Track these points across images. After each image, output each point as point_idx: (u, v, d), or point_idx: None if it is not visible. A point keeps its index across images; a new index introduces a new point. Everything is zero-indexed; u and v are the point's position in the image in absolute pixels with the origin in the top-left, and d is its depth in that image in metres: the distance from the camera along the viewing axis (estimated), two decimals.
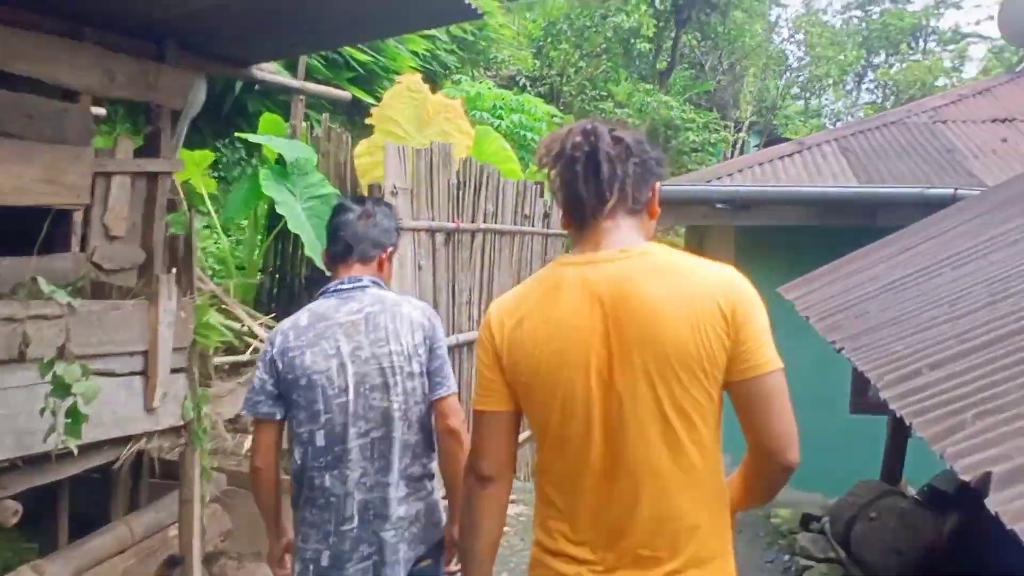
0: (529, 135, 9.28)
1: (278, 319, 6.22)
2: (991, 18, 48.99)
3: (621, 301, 1.49)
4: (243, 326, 5.52)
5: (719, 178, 6.66)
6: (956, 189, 5.89)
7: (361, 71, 8.40)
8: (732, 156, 19.78)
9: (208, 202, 6.24)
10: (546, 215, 5.72)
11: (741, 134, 19.60)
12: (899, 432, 4.56)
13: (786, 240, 6.52)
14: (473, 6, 3.73)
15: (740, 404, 1.50)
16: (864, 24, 25.25)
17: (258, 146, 6.49)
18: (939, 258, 3.68)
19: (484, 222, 4.70)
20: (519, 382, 1.57)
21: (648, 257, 1.53)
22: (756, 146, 20.74)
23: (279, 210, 5.24)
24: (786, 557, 4.48)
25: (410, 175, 3.95)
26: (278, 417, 2.21)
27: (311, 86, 5.00)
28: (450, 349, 4.31)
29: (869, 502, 3.86)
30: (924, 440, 1.99)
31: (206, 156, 6.11)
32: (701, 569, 1.51)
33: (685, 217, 6.73)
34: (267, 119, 6.10)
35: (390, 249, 2.38)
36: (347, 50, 8.08)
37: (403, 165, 3.86)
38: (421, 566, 2.25)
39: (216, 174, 7.41)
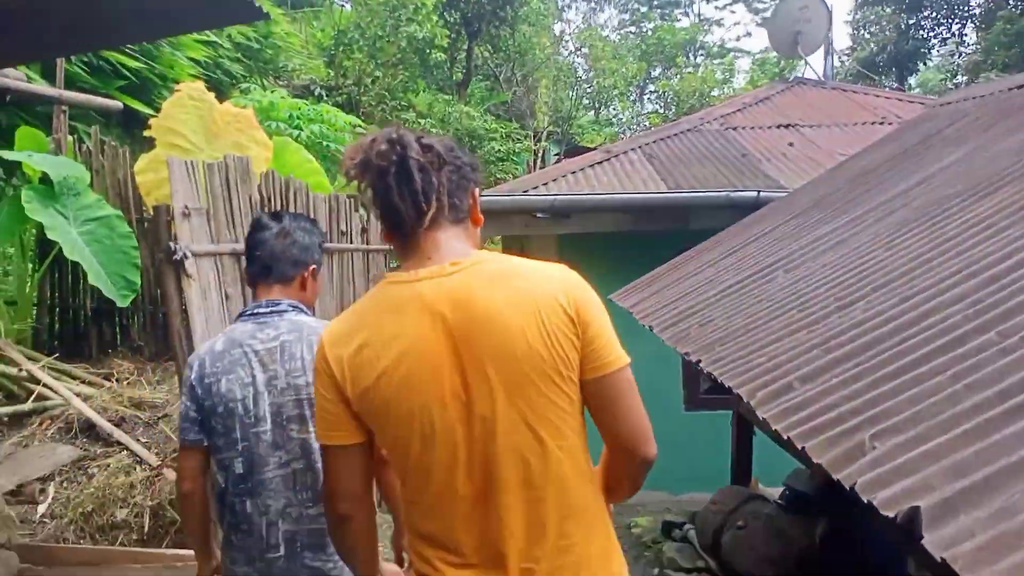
0: (332, 146, 8.78)
1: (64, 359, 5.45)
2: (749, 35, 53.08)
3: (464, 316, 1.43)
4: (20, 370, 4.71)
5: (535, 188, 6.54)
6: (759, 192, 6.11)
7: (133, 79, 7.54)
8: (535, 165, 20.19)
9: None
10: (363, 229, 5.30)
11: (541, 143, 19.98)
12: (744, 430, 4.58)
13: (606, 246, 6.52)
14: (258, 5, 3.33)
15: (593, 403, 1.49)
16: (640, 39, 26.72)
17: (17, 165, 5.60)
18: (769, 261, 3.68)
19: None
20: (368, 412, 1.48)
21: (482, 266, 1.48)
22: (556, 155, 21.23)
23: (50, 236, 4.50)
24: (655, 571, 4.34)
25: (203, 193, 3.42)
26: (205, 444, 2.17)
27: (72, 95, 4.30)
28: None
29: (734, 509, 3.82)
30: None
31: None
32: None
33: (505, 227, 6.56)
34: (24, 133, 5.25)
35: (312, 267, 2.31)
36: (114, 56, 7.22)
37: (193, 182, 3.33)
38: None
39: None
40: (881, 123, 8.11)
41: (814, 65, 10.46)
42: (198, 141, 5.00)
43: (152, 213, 5.32)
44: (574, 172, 6.95)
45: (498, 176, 16.52)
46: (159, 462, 4.14)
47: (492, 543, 1.47)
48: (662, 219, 6.41)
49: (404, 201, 1.46)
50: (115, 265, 5.00)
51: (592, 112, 23.88)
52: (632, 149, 7.47)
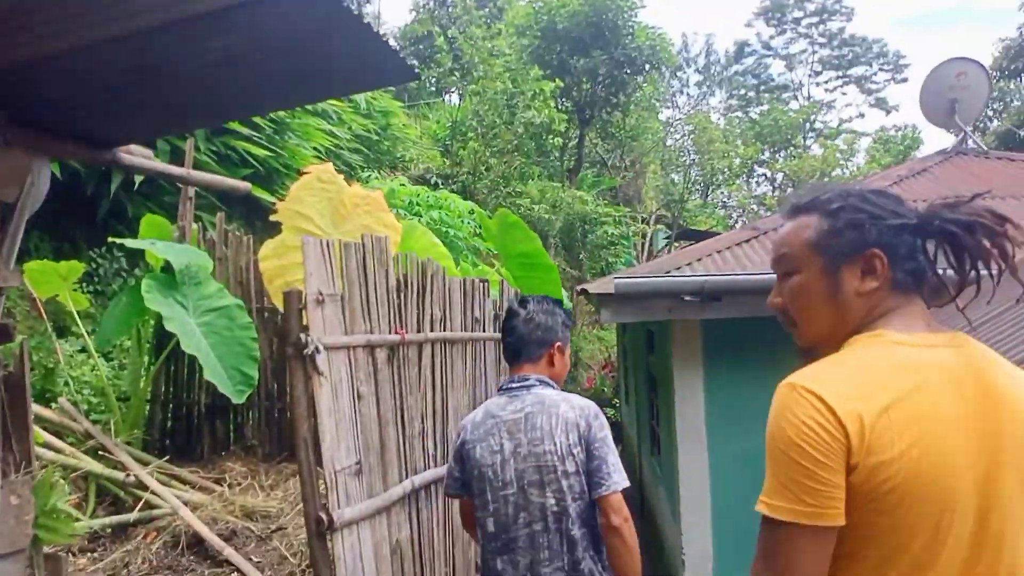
0: (451, 232, 8.45)
1: (175, 459, 5.12)
2: (862, 116, 52.11)
3: (985, 392, 1.30)
4: (128, 475, 4.33)
5: (678, 268, 5.93)
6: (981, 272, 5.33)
7: (259, 168, 7.44)
8: (643, 249, 19.64)
9: (80, 322, 5.08)
10: (496, 316, 4.80)
11: (649, 227, 19.47)
12: None
13: (758, 332, 5.83)
14: (411, 64, 2.91)
15: None
16: (751, 123, 26.18)
17: (140, 254, 5.41)
18: None
19: (432, 330, 3.74)
20: (877, 491, 1.23)
21: (976, 345, 1.37)
22: (666, 239, 20.69)
23: (168, 327, 4.18)
24: None
25: (338, 278, 2.98)
26: (465, 497, 2.57)
27: (200, 175, 4.02)
28: (408, 496, 3.35)
29: None
30: None
31: (75, 268, 5.01)
32: None
33: (645, 312, 5.94)
34: (150, 221, 5.06)
35: (557, 344, 2.62)
36: (241, 144, 7.14)
37: (328, 265, 2.89)
38: None
39: (90, 288, 6.22)
40: None
41: (949, 139, 9.63)
42: (325, 225, 4.66)
43: (273, 302, 5.01)
44: (720, 251, 6.31)
45: (609, 260, 16.03)
46: None
47: None
48: None
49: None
50: (233, 358, 4.64)
51: (699, 196, 23.31)
52: (781, 226, 6.79)
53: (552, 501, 2.38)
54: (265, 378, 5.34)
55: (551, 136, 14.02)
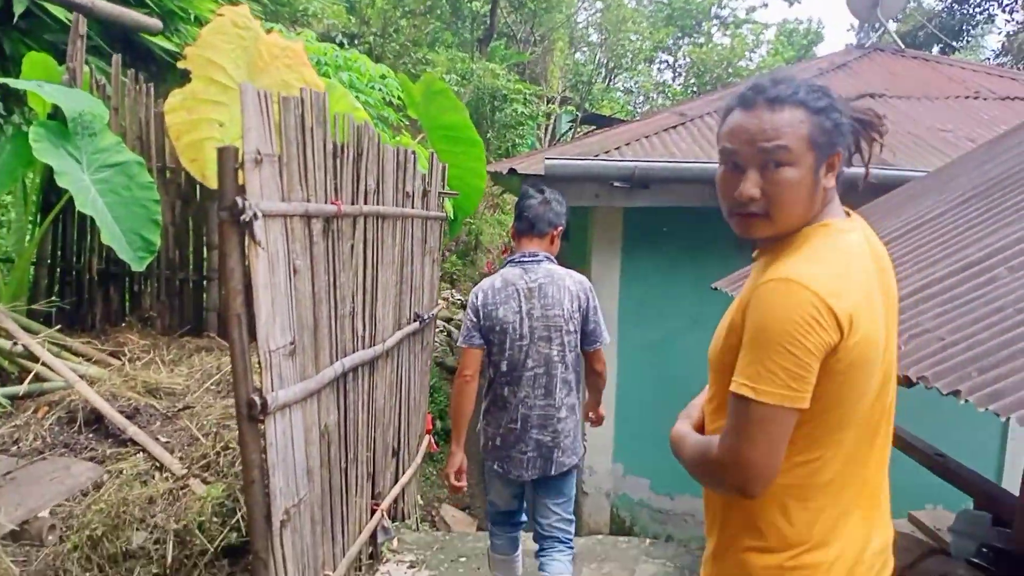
0: (362, 97, 7.89)
1: (64, 329, 4.67)
2: (766, 5, 52.06)
3: (881, 267, 1.54)
4: (15, 344, 3.92)
5: (607, 152, 5.75)
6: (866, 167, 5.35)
7: (153, 7, 6.63)
8: (547, 131, 19.32)
9: None
10: (425, 192, 4.52)
11: (554, 107, 19.09)
12: None
13: (679, 223, 5.79)
14: None
15: None
16: (666, 3, 25.66)
17: (22, 96, 4.75)
18: (975, 255, 2.94)
19: (366, 203, 3.45)
20: (841, 371, 1.42)
21: (864, 223, 1.62)
22: (571, 122, 20.39)
23: (60, 183, 3.70)
24: None
25: (276, 136, 2.63)
26: (483, 347, 3.21)
27: (107, 5, 3.45)
28: (338, 379, 3.17)
29: (909, 565, 3.10)
30: None
31: None
32: None
33: (572, 196, 5.76)
34: (33, 60, 4.40)
35: (560, 227, 3.28)
36: None
37: (267, 120, 2.54)
38: (567, 471, 3.31)
39: None
40: (975, 97, 7.36)
41: (851, 37, 9.67)
42: (240, 76, 4.18)
43: (180, 161, 4.53)
44: (647, 136, 6.16)
45: (516, 140, 15.69)
46: (185, 469, 3.37)
47: (880, 493, 1.62)
48: None
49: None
50: (132, 221, 4.21)
51: (604, 80, 22.93)
52: (708, 114, 6.68)
53: (555, 352, 3.19)
54: (167, 244, 4.90)
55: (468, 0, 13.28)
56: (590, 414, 3.54)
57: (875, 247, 1.55)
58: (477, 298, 3.21)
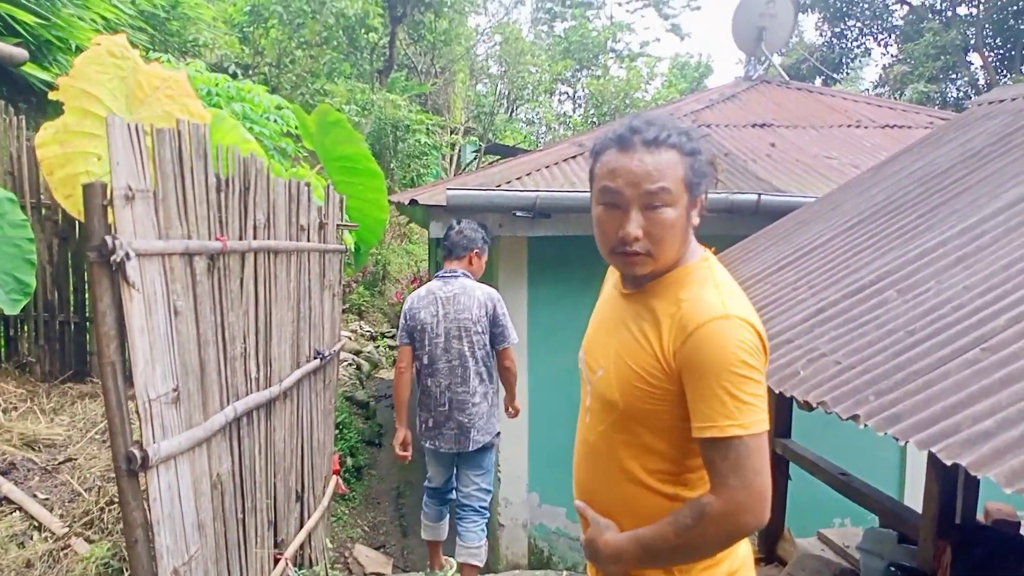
0: (256, 128, 7.66)
1: None
2: (658, 40, 54.04)
3: None
4: None
5: (508, 183, 5.74)
6: (760, 195, 5.51)
7: (28, 38, 6.29)
8: (451, 161, 19.33)
9: None
10: (321, 225, 4.37)
11: (460, 138, 19.13)
12: (780, 472, 3.93)
13: (583, 251, 5.78)
14: None
15: None
16: (560, 38, 26.14)
17: None
18: (866, 278, 3.01)
19: (255, 238, 3.29)
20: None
21: None
22: (475, 152, 20.46)
23: None
24: None
25: (150, 170, 2.47)
26: (408, 345, 4.21)
27: None
28: (229, 424, 2.99)
29: None
30: None
31: None
32: None
33: None
34: None
35: (475, 250, 4.25)
36: (6, 8, 5.99)
37: (139, 153, 2.38)
38: (483, 447, 4.19)
39: None
40: (857, 126, 7.70)
41: (739, 69, 10.06)
42: (118, 108, 3.96)
43: (55, 197, 4.25)
44: (548, 167, 6.18)
45: (420, 171, 15.61)
46: (66, 528, 3.12)
47: None
48: None
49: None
50: (4, 262, 3.91)
51: (506, 110, 23.14)
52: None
53: (467, 349, 4.06)
54: (44, 286, 4.59)
55: (364, 31, 13.15)
56: (508, 408, 4.42)
57: None
58: (406, 304, 4.22)
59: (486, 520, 4.28)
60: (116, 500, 3.28)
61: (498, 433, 4.33)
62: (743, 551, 1.69)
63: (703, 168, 1.59)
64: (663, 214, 1.55)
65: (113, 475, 3.39)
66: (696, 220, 1.63)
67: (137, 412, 2.36)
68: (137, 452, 2.30)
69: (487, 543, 4.34)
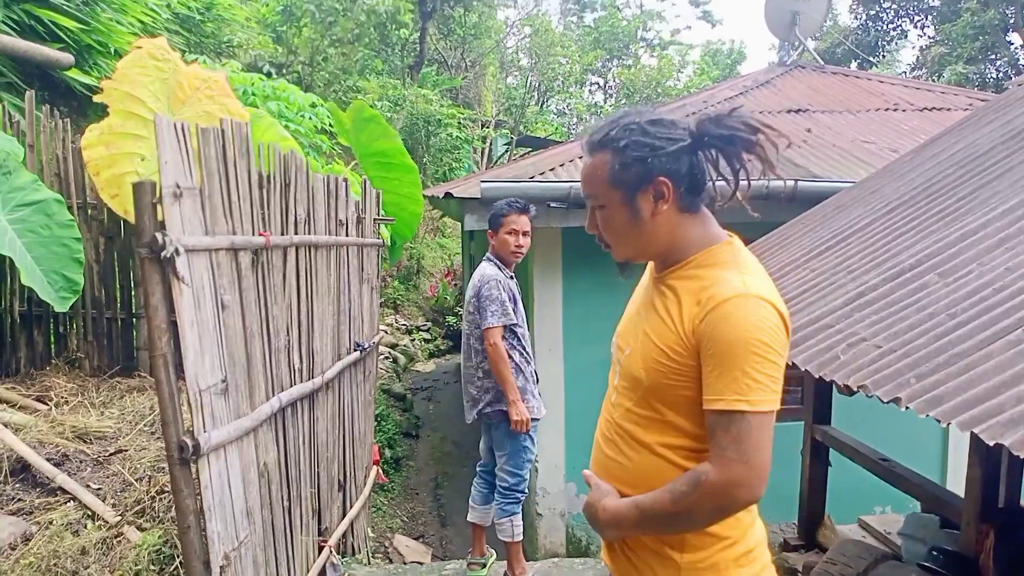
0: (292, 126, 7.79)
1: None
2: (689, 28, 53.61)
3: None
4: None
5: (542, 173, 5.76)
6: (797, 181, 5.47)
7: (70, 43, 6.45)
8: (483, 155, 19.38)
9: None
10: (359, 220, 4.44)
11: (490, 131, 19.18)
12: (819, 458, 3.92)
13: None
14: None
15: None
16: (589, 29, 26.08)
17: None
18: (907, 261, 2.99)
19: (296, 233, 3.36)
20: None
21: None
22: (506, 145, 20.49)
23: None
24: None
25: (196, 168, 2.54)
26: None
27: (14, 41, 3.30)
28: (275, 414, 3.06)
29: (863, 573, 3.10)
30: None
31: None
32: None
33: None
34: None
35: (489, 231, 4.15)
36: (48, 14, 6.14)
37: (185, 153, 2.45)
38: (491, 418, 4.12)
39: None
40: (894, 109, 7.60)
41: (773, 55, 9.94)
42: (161, 109, 4.06)
43: (100, 197, 4.37)
44: (580, 157, 6.17)
45: (452, 164, 15.68)
46: (118, 517, 3.21)
47: None
48: None
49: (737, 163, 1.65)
50: (53, 261, 4.04)
51: (537, 103, 23.15)
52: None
53: (467, 327, 4.15)
54: (91, 283, 4.71)
55: (395, 27, 13.24)
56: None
57: None
58: None
59: (511, 502, 4.16)
60: (166, 489, 3.37)
61: (534, 420, 4.14)
62: (759, 532, 1.69)
63: (638, 159, 1.57)
64: (603, 215, 1.68)
65: (163, 465, 3.50)
66: (662, 208, 1.61)
67: (188, 403, 2.43)
68: (189, 441, 2.38)
69: (518, 522, 4.19)
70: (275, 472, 3.11)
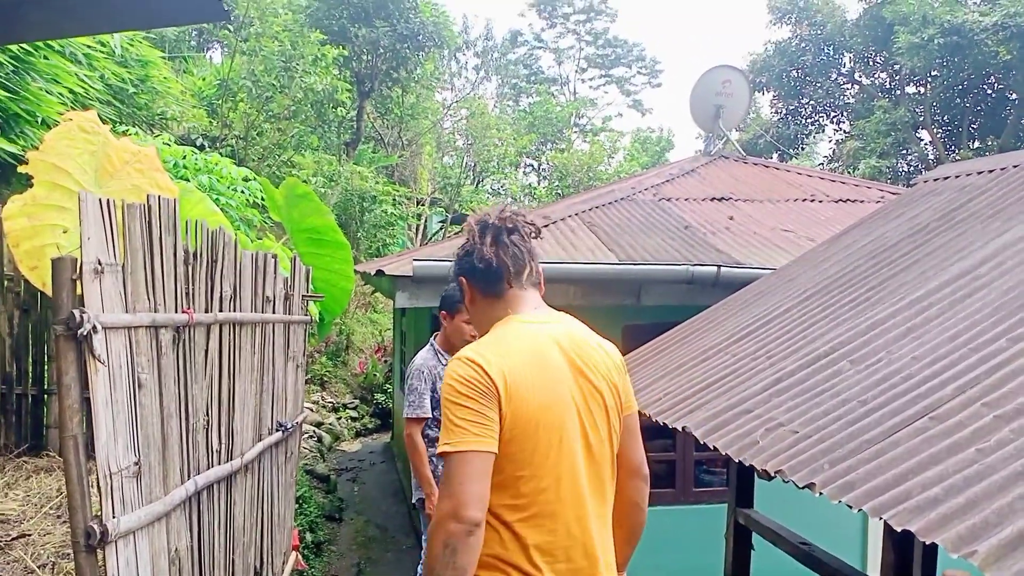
0: (223, 200, 7.73)
1: None
2: (620, 115, 55.59)
3: (582, 355, 1.99)
4: None
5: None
6: (720, 267, 5.65)
7: None
8: (417, 232, 19.49)
9: None
10: (287, 296, 4.40)
11: (425, 209, 19.35)
12: (743, 541, 3.95)
13: None
14: (222, 4, 2.53)
15: (624, 432, 2.09)
16: (525, 112, 26.84)
17: None
18: (820, 348, 3.10)
19: (221, 310, 3.31)
20: (517, 423, 1.83)
21: (574, 321, 2.11)
22: (441, 222, 20.66)
23: None
24: None
25: (119, 245, 2.51)
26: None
27: None
28: (190, 498, 2.96)
29: None
30: None
31: None
32: None
33: (434, 298, 5.77)
34: None
35: (443, 312, 4.16)
36: None
37: (110, 228, 2.42)
38: (415, 506, 4.30)
39: None
40: (812, 200, 7.96)
41: (699, 145, 10.38)
42: (88, 182, 3.99)
43: (19, 269, 4.24)
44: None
45: (387, 240, 15.72)
46: None
47: (587, 546, 1.90)
48: (613, 293, 5.84)
49: (512, 260, 2.02)
50: None
51: (472, 183, 23.49)
52: (570, 216, 6.91)
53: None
54: (3, 357, 4.53)
55: (333, 106, 13.38)
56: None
57: (572, 336, 2.01)
58: None
59: None
60: None
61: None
62: None
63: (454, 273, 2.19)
64: None
65: (69, 552, 3.32)
66: (470, 307, 2.19)
67: (98, 486, 2.34)
68: (97, 527, 2.27)
69: None
70: (187, 559, 2.99)
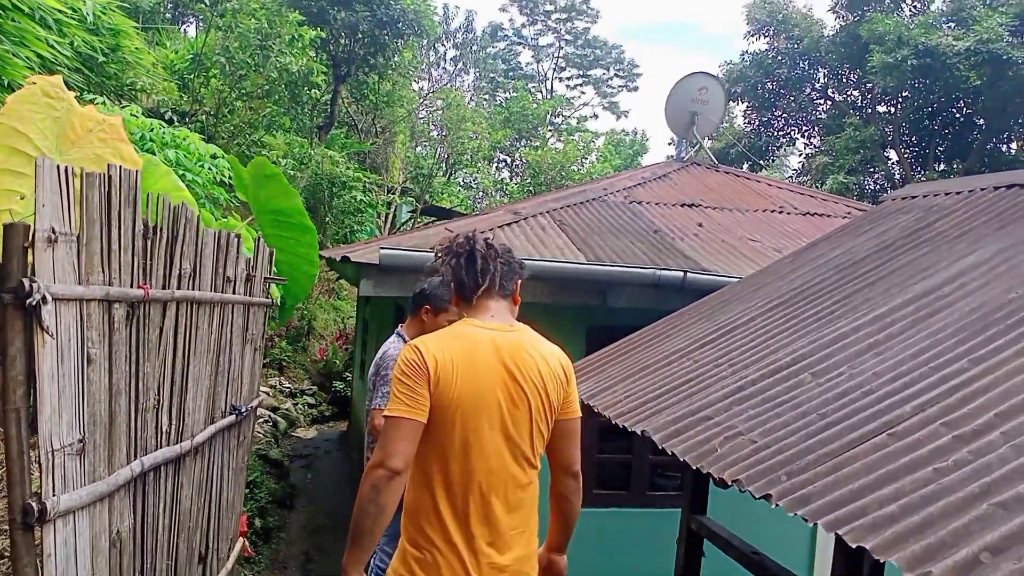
0: (189, 176, 7.56)
1: None
2: (596, 116, 55.65)
3: (516, 360, 2.36)
4: None
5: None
6: (686, 272, 5.66)
7: None
8: (387, 220, 19.34)
9: None
10: (249, 278, 4.31)
11: (396, 198, 19.21)
12: (694, 547, 3.95)
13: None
14: None
15: (557, 435, 2.48)
16: (502, 107, 26.74)
17: None
18: (782, 360, 3.10)
19: (179, 288, 3.22)
20: (441, 403, 2.28)
21: (526, 331, 2.48)
22: (410, 212, 20.53)
23: None
24: None
25: (76, 214, 2.42)
26: None
27: None
28: (135, 479, 2.88)
29: None
30: None
31: None
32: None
33: (409, 287, 5.70)
34: None
35: (427, 307, 4.01)
36: None
37: (66, 197, 2.33)
38: None
39: None
40: (780, 211, 8.03)
41: (672, 150, 10.44)
42: (48, 148, 3.86)
43: None
44: (483, 232, 6.22)
45: (354, 227, 15.56)
46: None
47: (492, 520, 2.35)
48: (580, 293, 5.82)
49: (468, 276, 2.44)
50: None
51: (444, 175, 23.34)
52: (541, 213, 6.88)
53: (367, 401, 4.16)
54: None
55: (307, 88, 13.19)
56: None
57: (513, 341, 2.38)
58: None
59: None
60: (6, 554, 3.10)
61: None
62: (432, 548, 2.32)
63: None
64: None
65: (4, 528, 3.22)
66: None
67: (39, 462, 2.26)
68: (35, 505, 2.19)
69: None
70: (129, 542, 2.91)
